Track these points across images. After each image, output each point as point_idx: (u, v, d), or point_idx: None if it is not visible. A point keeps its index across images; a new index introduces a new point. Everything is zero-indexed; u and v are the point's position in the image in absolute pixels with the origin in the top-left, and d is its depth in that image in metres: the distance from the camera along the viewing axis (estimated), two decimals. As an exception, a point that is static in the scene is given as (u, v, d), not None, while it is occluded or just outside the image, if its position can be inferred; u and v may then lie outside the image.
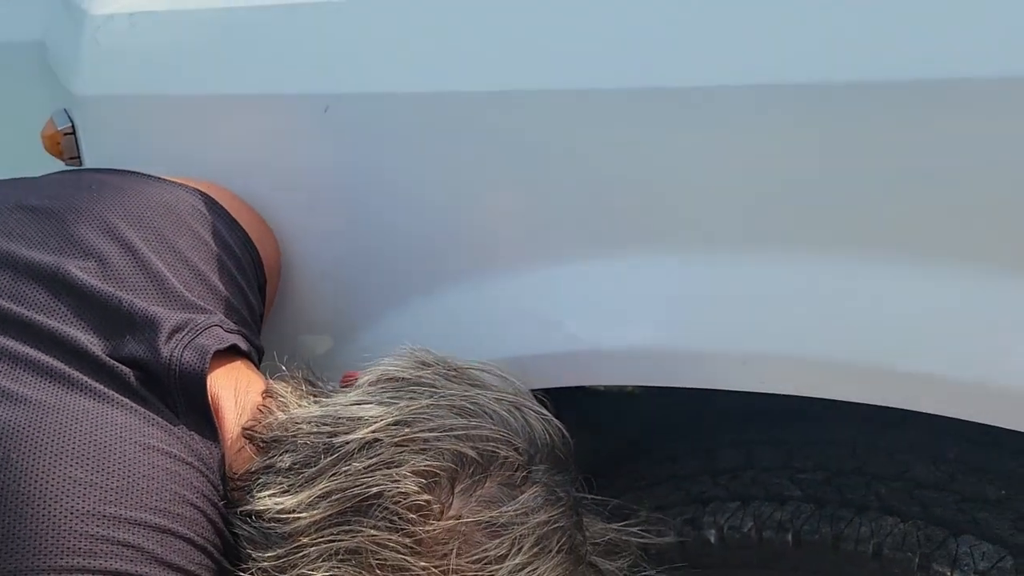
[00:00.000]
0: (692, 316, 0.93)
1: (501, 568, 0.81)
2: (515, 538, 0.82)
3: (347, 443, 0.84)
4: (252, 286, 1.05)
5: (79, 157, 1.18)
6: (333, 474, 0.83)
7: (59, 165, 1.20)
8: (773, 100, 0.84)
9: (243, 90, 1.06)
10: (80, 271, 0.91)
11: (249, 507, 0.85)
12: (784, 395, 0.95)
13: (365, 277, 1.09)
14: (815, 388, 0.88)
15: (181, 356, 0.88)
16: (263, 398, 0.92)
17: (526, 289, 1.01)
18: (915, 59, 0.78)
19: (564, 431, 0.92)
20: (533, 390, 1.02)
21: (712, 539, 0.98)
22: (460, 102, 0.96)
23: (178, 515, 0.81)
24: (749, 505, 0.99)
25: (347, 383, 0.94)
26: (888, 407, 0.91)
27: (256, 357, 1.00)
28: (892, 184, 0.83)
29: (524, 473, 0.86)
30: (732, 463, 1.06)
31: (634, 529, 0.95)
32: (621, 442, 1.39)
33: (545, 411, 0.92)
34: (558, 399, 1.56)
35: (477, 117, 0.97)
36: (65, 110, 1.18)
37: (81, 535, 0.76)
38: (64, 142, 1.17)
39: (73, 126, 1.16)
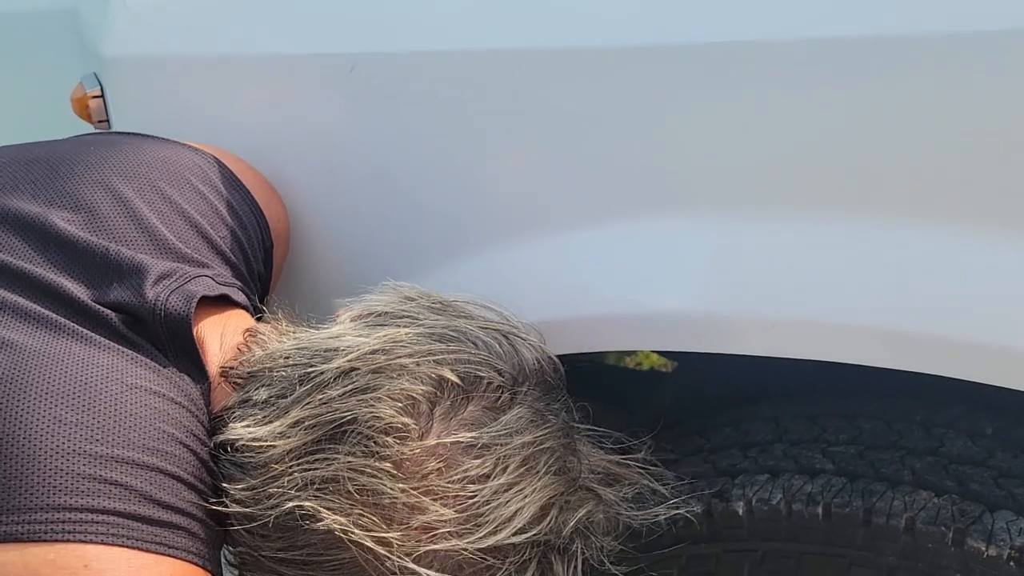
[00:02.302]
0: (719, 280, 0.91)
1: (484, 488, 0.79)
2: (499, 458, 0.80)
3: (322, 372, 0.82)
4: (255, 247, 1.04)
5: (108, 120, 1.17)
6: (307, 403, 0.81)
7: (89, 129, 1.20)
8: (810, 55, 0.82)
9: (272, 50, 1.05)
10: (65, 222, 0.91)
11: (222, 436, 0.83)
12: (815, 368, 0.93)
13: (387, 243, 1.08)
14: (846, 354, 0.85)
15: (167, 300, 0.87)
16: (244, 338, 0.91)
17: (551, 254, 0.99)
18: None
19: (556, 360, 0.89)
20: (560, 355, 1.01)
21: (740, 511, 0.96)
22: (485, 61, 0.95)
23: (166, 453, 0.80)
24: (779, 478, 0.97)
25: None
26: (924, 383, 0.89)
27: (252, 312, 0.98)
28: (926, 145, 0.80)
29: (508, 395, 0.84)
30: (762, 436, 1.04)
31: (635, 464, 0.93)
32: (649, 416, 1.38)
33: (535, 339, 0.89)
34: (586, 376, 1.56)
35: (503, 77, 0.95)
36: (95, 74, 1.18)
37: (68, 474, 0.75)
38: (93, 105, 1.17)
39: (102, 89, 1.16)
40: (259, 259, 1.05)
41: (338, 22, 1.02)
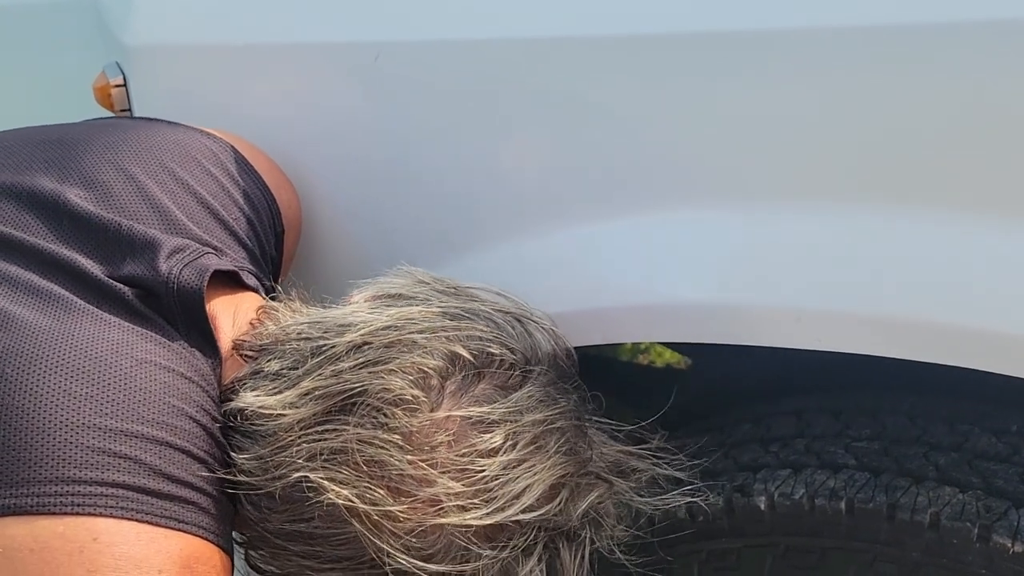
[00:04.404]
0: (743, 271, 0.91)
1: (494, 462, 0.78)
2: (509, 434, 0.79)
3: (334, 345, 0.82)
4: (267, 231, 1.04)
5: (130, 109, 1.17)
6: (318, 374, 0.81)
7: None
8: (839, 44, 0.81)
9: (295, 39, 1.04)
10: (78, 198, 0.91)
11: (231, 404, 0.83)
12: (839, 363, 0.92)
13: (405, 233, 1.08)
14: (873, 346, 0.84)
15: (180, 273, 0.87)
16: (257, 314, 0.91)
17: (568, 244, 0.99)
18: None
19: (570, 347, 0.89)
20: (576, 348, 1.01)
21: (762, 506, 0.95)
22: (506, 50, 0.95)
23: (176, 428, 0.80)
24: (801, 473, 0.96)
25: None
26: (947, 378, 0.88)
27: (263, 293, 0.98)
28: (954, 134, 0.80)
29: (520, 374, 0.83)
30: (783, 431, 1.04)
31: (647, 455, 0.92)
32: (668, 412, 1.37)
33: (548, 323, 0.89)
34: (604, 372, 1.55)
35: (524, 66, 0.95)
36: (117, 63, 1.18)
37: (78, 446, 0.75)
38: (115, 94, 1.17)
39: (124, 78, 1.16)
40: (271, 243, 1.05)
41: (363, 11, 1.02)
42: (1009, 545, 0.85)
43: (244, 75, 1.08)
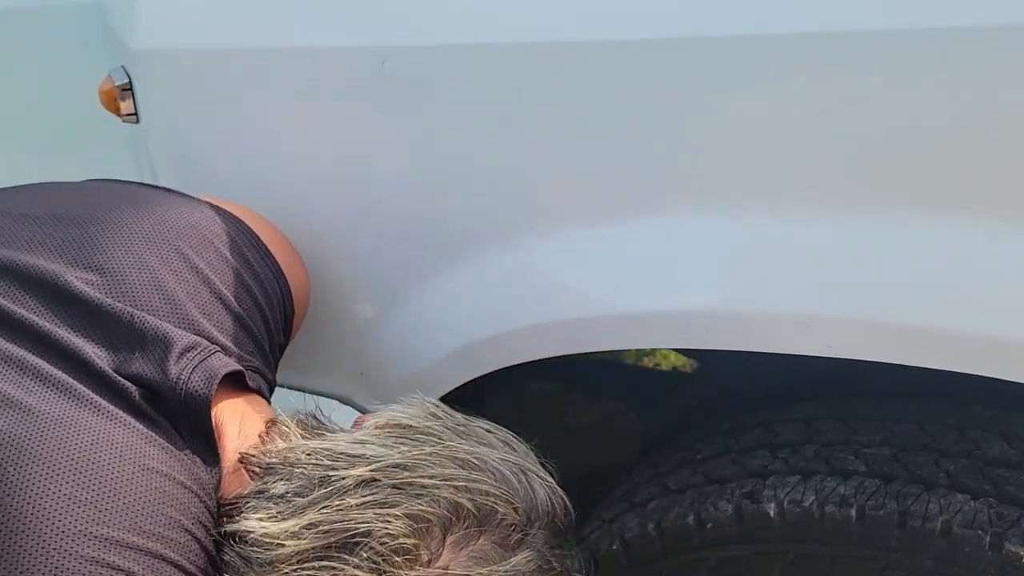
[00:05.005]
0: (754, 276, 0.90)
1: None
2: None
3: (343, 478, 0.81)
4: (276, 317, 1.02)
5: (136, 114, 1.17)
6: (324, 506, 0.80)
7: (117, 122, 1.20)
8: (839, 48, 0.81)
9: (302, 43, 1.04)
10: (89, 285, 0.89)
11: (234, 526, 0.82)
12: (847, 368, 0.92)
13: (411, 238, 1.07)
14: (887, 354, 0.84)
15: (189, 378, 0.86)
16: (266, 427, 0.90)
17: (576, 251, 0.98)
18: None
19: (568, 502, 0.89)
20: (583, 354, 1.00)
21: (772, 513, 0.95)
22: (513, 55, 0.94)
23: (171, 540, 0.79)
24: (811, 479, 0.96)
25: (357, 425, 0.92)
26: (956, 384, 0.88)
27: (268, 392, 0.98)
28: (962, 139, 0.79)
29: (520, 535, 0.83)
30: (793, 437, 1.03)
31: None
32: (673, 417, 1.37)
33: (551, 479, 0.89)
34: (607, 375, 1.55)
35: (531, 71, 0.94)
36: (123, 67, 1.17)
37: (71, 555, 0.74)
38: (121, 98, 1.16)
39: (130, 82, 1.16)
40: (280, 330, 1.03)
41: (369, 15, 1.01)
42: (1022, 553, 0.84)
43: (250, 80, 1.08)
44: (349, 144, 1.05)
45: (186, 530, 0.81)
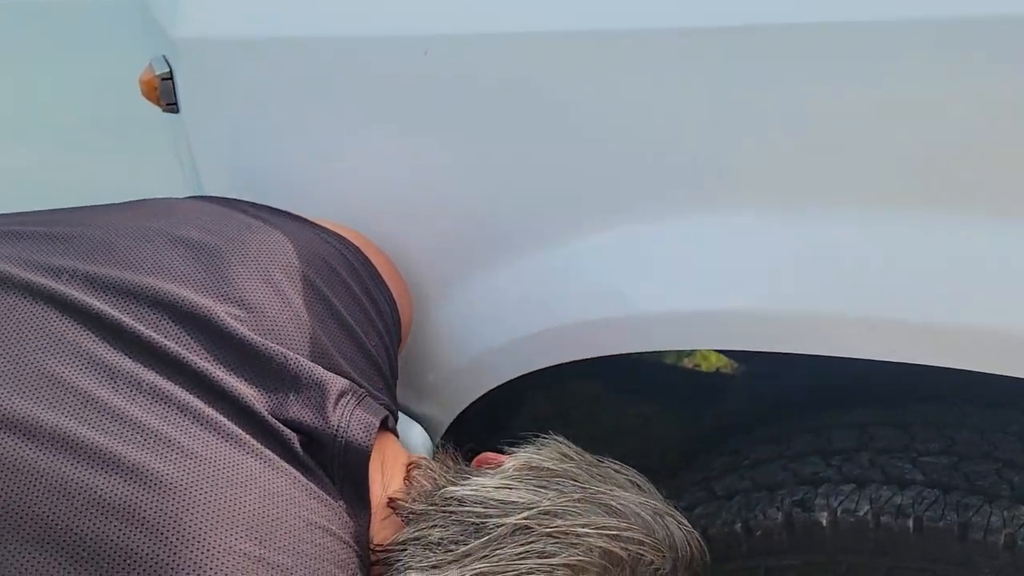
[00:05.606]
0: (815, 277, 0.87)
1: None
2: None
3: (499, 526, 0.82)
4: (392, 349, 1.01)
5: (176, 103, 1.15)
6: (484, 555, 0.81)
7: (156, 112, 1.18)
8: (908, 36, 0.77)
9: (343, 32, 1.02)
10: (235, 320, 0.87)
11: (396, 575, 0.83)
12: (904, 373, 0.88)
13: (454, 234, 1.05)
14: (956, 359, 0.81)
15: (348, 426, 0.86)
16: (409, 470, 0.90)
17: (620, 247, 0.96)
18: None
19: (703, 544, 0.90)
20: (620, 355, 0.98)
21: (824, 522, 0.92)
22: (560, 44, 0.91)
23: None
24: (865, 488, 0.93)
25: (484, 464, 0.92)
26: (1019, 391, 0.84)
27: (394, 423, 0.97)
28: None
29: None
30: (846, 444, 1.00)
31: None
32: (722, 422, 1.34)
33: (684, 520, 0.89)
34: (648, 377, 1.52)
35: (578, 64, 0.91)
36: (164, 56, 1.16)
37: None
38: (161, 87, 1.15)
39: (171, 71, 1.14)
40: (395, 360, 1.02)
41: (414, 4, 0.99)
42: (1090, 569, 0.81)
43: (291, 70, 1.05)
44: (393, 138, 1.03)
45: None
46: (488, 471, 0.89)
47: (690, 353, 2.13)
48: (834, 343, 0.87)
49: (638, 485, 0.90)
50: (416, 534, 0.84)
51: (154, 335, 0.84)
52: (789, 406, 1.15)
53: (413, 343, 1.11)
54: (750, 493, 0.99)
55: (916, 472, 0.92)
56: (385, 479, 0.88)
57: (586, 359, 1.02)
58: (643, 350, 0.99)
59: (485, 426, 1.20)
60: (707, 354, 2.11)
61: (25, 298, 0.84)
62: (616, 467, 0.91)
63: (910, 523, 0.88)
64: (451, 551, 0.82)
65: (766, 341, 0.91)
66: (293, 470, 0.82)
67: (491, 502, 0.84)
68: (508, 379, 1.07)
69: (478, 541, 0.82)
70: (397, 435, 0.96)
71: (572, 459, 0.90)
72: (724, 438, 1.17)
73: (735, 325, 0.92)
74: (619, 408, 1.54)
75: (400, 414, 1.03)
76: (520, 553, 0.81)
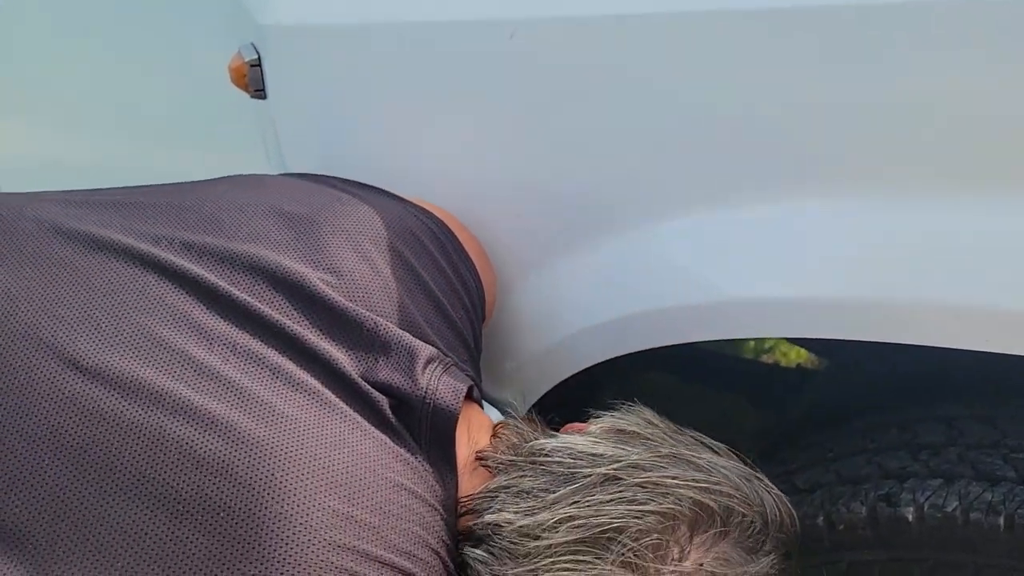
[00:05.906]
0: (907, 264, 0.85)
1: None
2: None
3: (589, 475, 0.83)
4: (477, 324, 1.02)
5: (264, 90, 1.17)
6: (575, 501, 0.82)
7: (244, 98, 1.20)
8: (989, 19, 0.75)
9: (431, 17, 1.02)
10: (328, 286, 0.89)
11: (489, 518, 0.84)
12: (995, 365, 0.86)
13: (538, 217, 1.05)
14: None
15: (437, 390, 0.87)
16: (496, 430, 0.92)
17: (717, 233, 0.95)
18: None
19: (793, 511, 0.89)
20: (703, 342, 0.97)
21: (910, 517, 0.90)
22: (640, 26, 0.90)
23: (418, 558, 0.81)
24: (954, 483, 0.90)
25: (571, 430, 0.92)
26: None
27: (480, 398, 0.98)
28: None
29: (761, 539, 0.84)
30: (934, 438, 0.97)
31: None
32: (804, 415, 1.32)
33: (774, 486, 0.89)
34: (726, 369, 1.50)
35: (666, 48, 0.90)
36: (252, 43, 1.18)
37: (334, 568, 0.76)
38: (250, 74, 1.17)
39: (259, 58, 1.16)
40: (479, 336, 1.03)
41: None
42: None
43: (379, 55, 1.06)
44: (477, 123, 1.04)
45: (431, 548, 0.83)
46: (574, 434, 0.90)
47: (769, 349, 2.10)
48: (925, 332, 0.85)
49: (724, 452, 0.90)
50: (507, 482, 0.86)
51: (249, 299, 0.86)
52: (873, 400, 1.13)
53: (491, 328, 1.12)
54: (833, 487, 0.98)
55: (1008, 469, 0.90)
56: (471, 443, 0.89)
57: (663, 351, 1.02)
58: (727, 337, 0.98)
59: (560, 416, 1.20)
60: (787, 350, 2.08)
61: (127, 263, 0.87)
62: (696, 435, 0.91)
63: (1001, 520, 0.86)
64: (540, 498, 0.83)
65: (855, 329, 0.89)
66: (381, 433, 0.83)
67: (580, 454, 0.85)
68: (587, 366, 1.07)
69: (568, 488, 0.82)
70: (482, 406, 0.97)
71: (657, 425, 0.90)
72: (806, 432, 1.15)
73: (822, 312, 0.91)
74: (696, 401, 1.52)
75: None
76: (610, 500, 0.81)
